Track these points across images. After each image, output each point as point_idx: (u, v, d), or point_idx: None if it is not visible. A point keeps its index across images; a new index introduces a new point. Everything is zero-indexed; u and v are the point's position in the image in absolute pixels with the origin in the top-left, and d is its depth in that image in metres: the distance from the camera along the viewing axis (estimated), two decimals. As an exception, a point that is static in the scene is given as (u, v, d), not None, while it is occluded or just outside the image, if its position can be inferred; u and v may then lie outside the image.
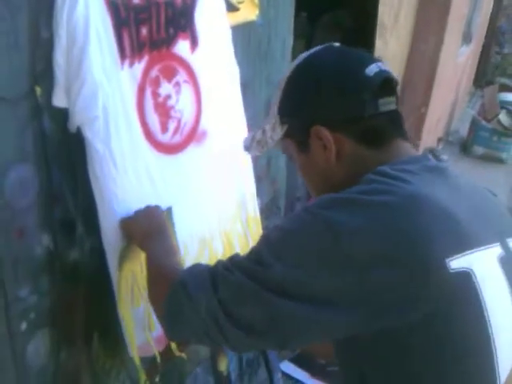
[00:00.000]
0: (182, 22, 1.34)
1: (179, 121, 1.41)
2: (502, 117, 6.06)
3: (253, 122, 1.95)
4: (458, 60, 5.77)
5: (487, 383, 0.89)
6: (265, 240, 0.95)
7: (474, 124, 6.29)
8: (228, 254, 1.64)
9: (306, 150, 1.04)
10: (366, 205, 0.87)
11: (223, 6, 1.52)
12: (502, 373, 0.89)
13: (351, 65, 1.00)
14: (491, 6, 7.73)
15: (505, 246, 0.95)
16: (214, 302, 0.94)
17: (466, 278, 0.85)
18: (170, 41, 1.32)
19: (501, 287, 0.91)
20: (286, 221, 0.97)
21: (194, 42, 1.40)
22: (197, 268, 1.06)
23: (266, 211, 2.29)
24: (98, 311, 1.38)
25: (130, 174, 1.28)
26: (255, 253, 0.95)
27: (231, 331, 0.93)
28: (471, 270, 0.86)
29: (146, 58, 1.27)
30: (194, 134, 1.47)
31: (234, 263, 0.97)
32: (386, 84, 0.98)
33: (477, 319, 0.86)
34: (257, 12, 1.83)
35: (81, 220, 1.27)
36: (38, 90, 1.10)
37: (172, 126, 1.39)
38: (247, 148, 1.16)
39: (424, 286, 0.83)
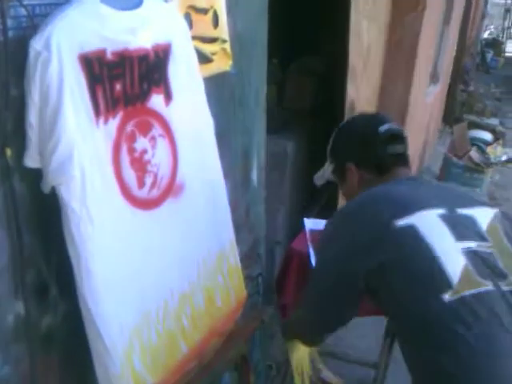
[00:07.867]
0: (155, 76, 1.33)
1: (156, 175, 1.37)
2: (473, 153, 6.16)
3: (230, 170, 1.93)
4: (426, 100, 5.90)
5: (442, 280, 1.26)
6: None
7: (445, 161, 6.38)
8: (210, 309, 1.61)
9: (343, 179, 1.71)
10: (354, 207, 1.54)
11: (195, 58, 1.51)
12: (453, 273, 1.25)
13: (371, 125, 1.66)
14: (455, 46, 7.98)
15: (451, 210, 1.36)
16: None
17: (411, 230, 1.31)
18: (144, 96, 1.30)
19: (442, 231, 1.31)
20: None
21: (168, 96, 1.38)
22: None
23: (246, 260, 2.24)
24: (73, 379, 1.31)
25: (106, 232, 1.23)
26: None
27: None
28: (414, 224, 1.31)
29: (120, 114, 1.24)
30: (171, 188, 1.43)
31: None
32: (393, 136, 1.64)
33: (426, 252, 1.28)
34: (230, 62, 1.83)
35: (54, 283, 1.22)
36: (9, 151, 1.05)
37: (149, 180, 1.35)
38: (316, 179, 1.87)
39: (380, 239, 1.35)
